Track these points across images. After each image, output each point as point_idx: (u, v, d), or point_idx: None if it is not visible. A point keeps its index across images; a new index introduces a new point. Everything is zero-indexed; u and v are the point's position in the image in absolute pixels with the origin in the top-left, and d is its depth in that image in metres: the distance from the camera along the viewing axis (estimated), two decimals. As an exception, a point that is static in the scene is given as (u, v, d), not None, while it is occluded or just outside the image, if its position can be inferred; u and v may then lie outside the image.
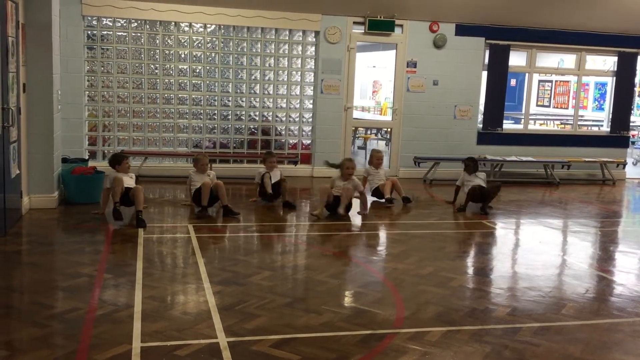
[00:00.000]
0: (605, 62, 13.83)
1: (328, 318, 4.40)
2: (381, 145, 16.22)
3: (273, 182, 8.29)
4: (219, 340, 3.94)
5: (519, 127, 13.37)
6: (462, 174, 8.81)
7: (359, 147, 14.93)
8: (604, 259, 6.59)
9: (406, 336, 4.14)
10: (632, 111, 13.20)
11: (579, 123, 13.55)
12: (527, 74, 12.57)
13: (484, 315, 4.60)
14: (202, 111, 10.53)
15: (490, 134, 11.59)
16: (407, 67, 11.06)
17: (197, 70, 10.45)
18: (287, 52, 10.74)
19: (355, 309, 4.65)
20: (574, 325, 4.50)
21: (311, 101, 10.93)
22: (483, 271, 5.87)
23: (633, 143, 14.84)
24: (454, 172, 11.18)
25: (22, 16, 7.08)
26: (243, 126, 10.74)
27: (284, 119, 10.93)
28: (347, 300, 4.94)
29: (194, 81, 10.45)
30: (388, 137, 13.14)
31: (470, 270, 5.99)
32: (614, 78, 12.33)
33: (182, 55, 10.34)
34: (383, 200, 8.68)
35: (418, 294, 5.04)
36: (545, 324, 4.49)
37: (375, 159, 9.13)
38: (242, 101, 10.68)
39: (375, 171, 9.03)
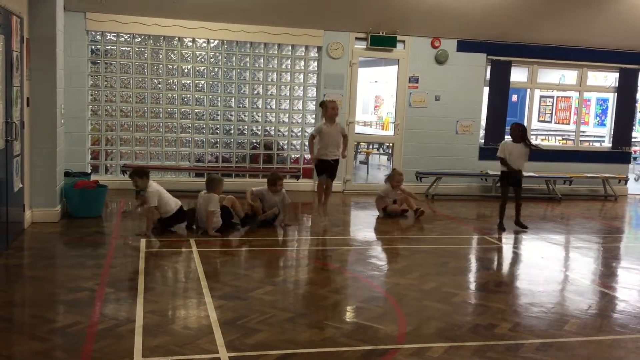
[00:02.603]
0: (606, 78, 13.87)
1: (330, 333, 4.38)
2: (383, 160, 16.26)
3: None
4: (220, 355, 3.93)
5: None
6: (505, 144, 8.43)
7: (361, 162, 14.95)
8: (607, 275, 6.57)
9: (408, 352, 4.12)
10: (634, 127, 13.21)
11: (581, 139, 13.57)
12: (528, 90, 12.61)
13: (487, 331, 4.59)
14: (204, 125, 10.56)
15: (492, 149, 11.54)
16: (409, 82, 11.10)
17: (200, 85, 10.49)
18: (289, 67, 10.79)
19: (357, 324, 4.64)
20: (576, 342, 4.48)
21: (313, 116, 10.95)
22: (485, 287, 5.86)
23: (635, 159, 14.83)
24: (456, 187, 11.22)
25: (27, 31, 7.13)
26: (245, 140, 10.76)
27: (286, 133, 10.95)
28: (349, 315, 4.93)
29: (196, 96, 10.49)
30: (390, 152, 13.17)
31: (473, 286, 5.97)
32: (616, 94, 12.36)
33: (185, 70, 10.39)
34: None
35: (420, 310, 5.03)
36: (548, 340, 4.47)
37: (396, 181, 9.08)
38: (245, 116, 10.72)
39: (392, 192, 9.05)
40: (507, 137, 8.57)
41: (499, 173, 11.03)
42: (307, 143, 10.93)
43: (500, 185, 8.74)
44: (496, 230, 8.34)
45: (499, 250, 7.44)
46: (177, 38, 10.25)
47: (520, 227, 8.38)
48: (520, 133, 8.28)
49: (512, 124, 8.53)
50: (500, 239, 7.88)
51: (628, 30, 11.26)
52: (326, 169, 8.12)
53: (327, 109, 8.06)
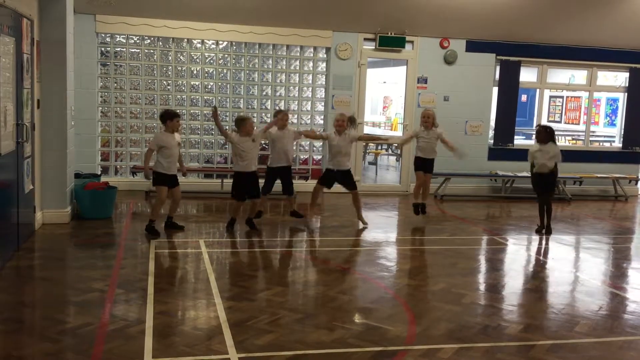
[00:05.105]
0: (616, 78, 13.79)
1: (339, 334, 4.38)
2: (392, 160, 16.24)
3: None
4: (230, 356, 3.93)
5: (530, 142, 13.29)
6: (531, 148, 8.36)
7: (370, 163, 14.93)
8: (617, 275, 6.53)
9: (418, 353, 4.12)
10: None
11: (591, 139, 13.50)
12: (538, 90, 12.56)
13: (497, 332, 4.57)
14: (213, 127, 10.58)
15: (502, 149, 11.56)
16: (418, 83, 11.08)
17: (209, 87, 10.52)
18: (298, 68, 10.80)
19: (366, 325, 4.64)
20: (587, 343, 4.45)
21: (322, 117, 10.96)
22: (495, 288, 5.84)
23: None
24: (466, 188, 11.19)
25: (37, 33, 7.17)
26: (254, 142, 10.76)
27: (294, 134, 10.94)
28: (358, 316, 4.92)
29: (205, 97, 10.52)
30: (399, 152, 13.15)
31: (482, 287, 5.95)
32: (626, 94, 12.30)
33: (194, 72, 10.42)
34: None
35: (430, 311, 5.02)
36: (559, 341, 4.45)
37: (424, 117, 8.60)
38: (254, 117, 10.72)
39: (425, 132, 8.58)
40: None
41: (508, 174, 11.11)
42: (315, 144, 11.00)
43: (535, 191, 8.47)
44: (506, 231, 8.32)
45: (508, 251, 7.41)
46: (186, 40, 10.28)
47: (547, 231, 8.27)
48: (544, 135, 8.11)
49: (538, 125, 8.55)
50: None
51: (638, 29, 11.20)
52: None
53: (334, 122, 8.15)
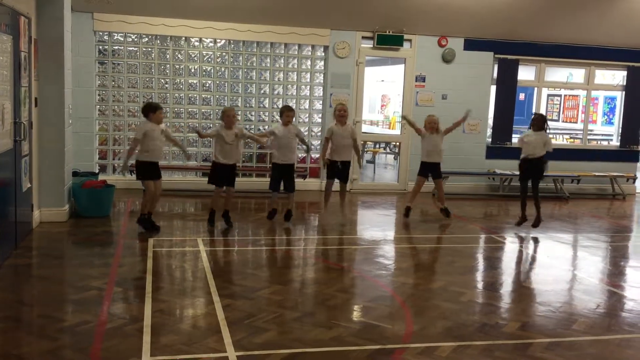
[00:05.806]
0: (614, 77, 13.81)
1: (337, 332, 4.39)
2: (389, 159, 16.24)
3: None
4: (228, 354, 3.94)
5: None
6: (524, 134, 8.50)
7: (368, 162, 14.93)
8: (615, 274, 6.54)
9: (415, 351, 4.12)
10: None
11: (589, 137, 13.51)
12: (535, 89, 12.57)
13: (494, 330, 4.58)
14: (211, 125, 10.57)
15: (500, 148, 11.56)
16: (416, 81, 11.09)
17: (207, 85, 10.51)
18: (296, 66, 10.80)
19: (364, 323, 4.64)
20: (585, 341, 4.46)
21: (320, 115, 10.96)
22: (493, 286, 5.85)
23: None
24: (464, 186, 11.20)
25: (35, 31, 7.16)
26: (252, 140, 10.77)
27: (293, 133, 10.93)
28: (356, 314, 4.93)
29: (203, 95, 10.51)
30: (397, 151, 13.15)
31: (480, 285, 5.96)
32: (624, 92, 12.31)
33: (192, 70, 10.41)
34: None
35: (428, 309, 5.02)
36: (556, 339, 4.46)
37: (429, 123, 8.82)
38: (252, 115, 10.73)
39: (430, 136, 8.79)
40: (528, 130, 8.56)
41: (506, 172, 11.10)
42: (313, 142, 11.00)
43: (520, 179, 8.50)
44: (504, 229, 8.33)
45: (506, 249, 7.42)
46: (184, 38, 10.27)
47: (535, 225, 8.26)
48: (542, 123, 8.21)
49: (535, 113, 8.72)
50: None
51: (636, 28, 11.21)
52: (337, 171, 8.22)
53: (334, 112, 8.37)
